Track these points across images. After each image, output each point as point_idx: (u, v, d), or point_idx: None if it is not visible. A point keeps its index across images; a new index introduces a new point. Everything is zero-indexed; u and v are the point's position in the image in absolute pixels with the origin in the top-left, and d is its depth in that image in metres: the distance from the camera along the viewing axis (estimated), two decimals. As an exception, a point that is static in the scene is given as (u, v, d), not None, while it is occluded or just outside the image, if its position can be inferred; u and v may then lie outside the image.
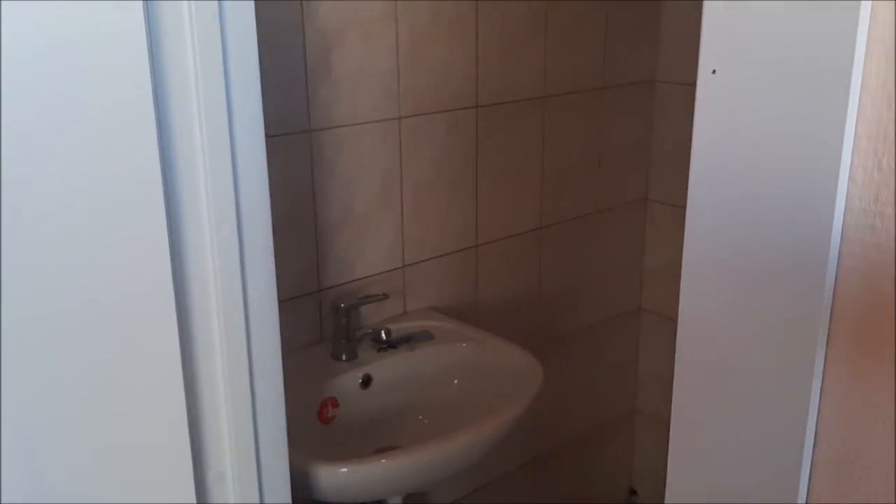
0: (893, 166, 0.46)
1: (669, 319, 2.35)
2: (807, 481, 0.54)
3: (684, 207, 2.36)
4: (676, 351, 0.62)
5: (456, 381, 1.72)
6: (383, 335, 1.61)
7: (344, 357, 1.65)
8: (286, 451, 1.11)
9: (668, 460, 0.64)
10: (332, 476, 1.36)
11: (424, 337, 1.73)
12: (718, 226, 0.55)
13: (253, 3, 0.92)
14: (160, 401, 0.94)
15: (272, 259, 1.03)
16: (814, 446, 0.54)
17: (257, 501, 1.07)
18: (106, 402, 0.90)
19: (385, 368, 1.67)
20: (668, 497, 0.65)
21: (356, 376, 1.64)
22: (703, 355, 0.61)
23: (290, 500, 1.13)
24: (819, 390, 0.52)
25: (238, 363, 1.01)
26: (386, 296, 1.70)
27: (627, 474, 2.56)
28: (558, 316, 2.19)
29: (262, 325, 1.04)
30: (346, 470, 1.37)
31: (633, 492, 2.57)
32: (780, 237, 0.51)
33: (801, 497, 0.55)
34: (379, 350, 1.68)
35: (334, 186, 1.67)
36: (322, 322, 1.70)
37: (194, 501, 0.99)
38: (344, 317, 1.64)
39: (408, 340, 1.70)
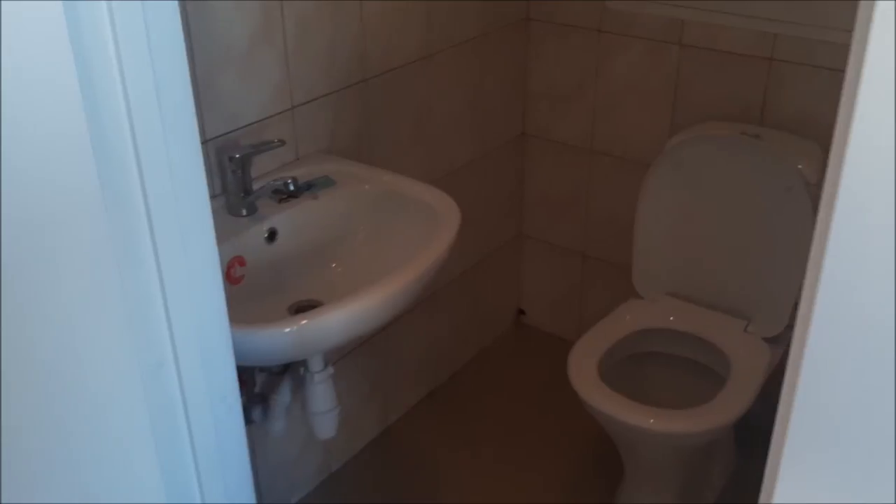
0: None
1: (553, 142, 2.33)
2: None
3: (567, 25, 2.27)
4: (810, 304, 0.55)
5: (365, 225, 1.64)
6: (290, 185, 1.48)
7: (244, 212, 1.52)
8: (227, 324, 1.01)
9: (785, 433, 0.59)
10: (254, 340, 1.27)
11: (326, 183, 1.62)
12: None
13: None
14: (92, 276, 0.81)
15: (192, 107, 0.88)
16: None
17: (202, 383, 0.98)
18: (30, 278, 0.76)
19: (289, 220, 1.56)
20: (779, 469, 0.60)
21: (260, 231, 1.52)
22: (847, 316, 0.54)
23: (235, 375, 1.04)
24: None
25: (169, 226, 0.88)
26: (282, 142, 1.56)
27: (516, 296, 2.62)
28: (447, 146, 2.12)
29: (188, 181, 0.90)
30: (268, 333, 1.28)
31: (521, 312, 2.64)
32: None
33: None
34: (280, 201, 1.56)
35: (209, 21, 1.47)
36: (212, 176, 1.54)
37: (140, 388, 0.89)
38: (239, 168, 1.49)
39: (309, 188, 1.59)
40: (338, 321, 1.31)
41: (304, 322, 1.29)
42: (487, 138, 2.25)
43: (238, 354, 1.25)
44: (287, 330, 1.28)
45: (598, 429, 1.79)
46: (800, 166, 1.77)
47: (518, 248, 2.54)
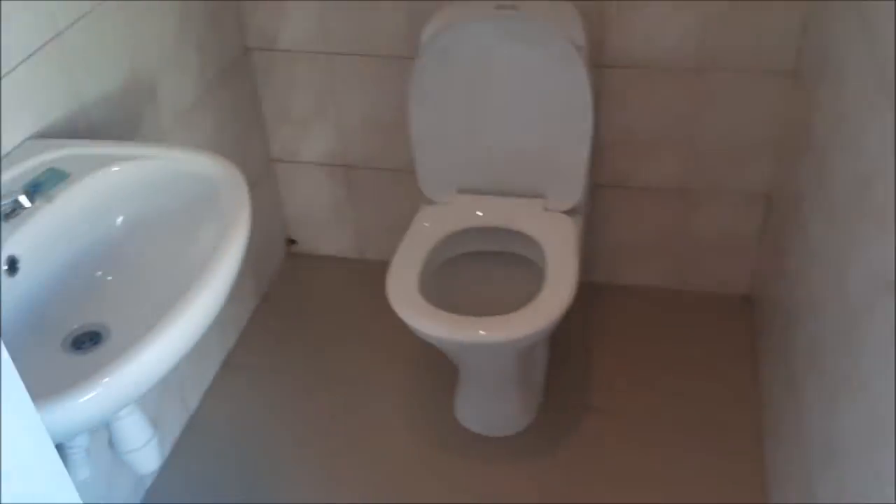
0: None
1: (283, 52, 2.07)
2: None
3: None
4: None
5: (124, 216, 1.32)
6: (22, 201, 1.12)
7: (-36, 247, 1.15)
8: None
9: None
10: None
11: (57, 177, 1.28)
12: None
13: None
14: None
15: None
16: None
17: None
18: None
19: (27, 240, 1.20)
20: None
21: (-5, 265, 1.16)
22: None
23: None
24: None
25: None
26: (-13, 143, 1.18)
27: (281, 227, 2.39)
28: (170, 84, 1.78)
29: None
30: (58, 410, 0.97)
31: (292, 241, 2.42)
32: None
33: None
34: (7, 218, 1.19)
35: None
36: None
37: None
38: (-61, 194, 1.11)
39: (36, 189, 1.24)
40: (156, 357, 1.04)
41: (106, 380, 0.99)
42: (210, 62, 1.93)
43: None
44: (84, 399, 0.97)
45: (420, 340, 1.67)
46: (565, 30, 1.69)
47: (271, 175, 2.28)
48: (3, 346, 0.67)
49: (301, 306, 2.28)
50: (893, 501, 0.96)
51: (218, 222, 1.25)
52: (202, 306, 1.10)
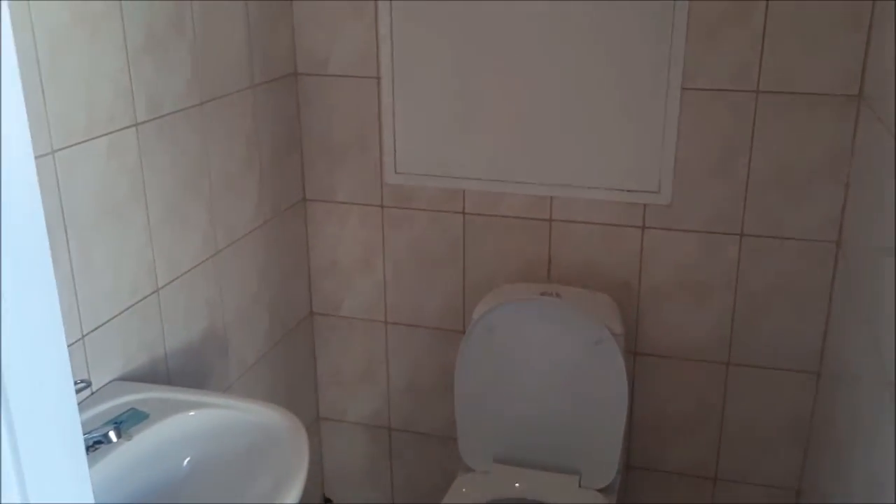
0: None
1: (344, 318, 2.26)
2: None
3: (346, 203, 2.25)
4: None
5: (189, 458, 1.43)
6: (112, 436, 1.25)
7: (48, 475, 1.25)
8: None
9: None
10: None
11: (137, 417, 1.41)
12: None
13: None
14: None
15: None
16: None
17: None
18: None
19: (103, 472, 1.31)
20: None
21: (71, 494, 1.26)
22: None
23: None
24: None
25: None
26: (87, 383, 1.33)
27: (319, 485, 2.45)
28: (240, 340, 1.95)
29: None
30: None
31: (328, 500, 2.46)
32: None
33: None
34: (89, 450, 1.31)
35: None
36: (-2, 436, 1.26)
37: None
38: (38, 424, 1.24)
39: (118, 427, 1.36)
40: None
41: None
42: (278, 324, 2.12)
43: None
44: None
45: None
46: (603, 319, 1.86)
47: (316, 432, 2.39)
48: None
49: (329, 567, 2.28)
50: None
51: (276, 471, 1.35)
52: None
